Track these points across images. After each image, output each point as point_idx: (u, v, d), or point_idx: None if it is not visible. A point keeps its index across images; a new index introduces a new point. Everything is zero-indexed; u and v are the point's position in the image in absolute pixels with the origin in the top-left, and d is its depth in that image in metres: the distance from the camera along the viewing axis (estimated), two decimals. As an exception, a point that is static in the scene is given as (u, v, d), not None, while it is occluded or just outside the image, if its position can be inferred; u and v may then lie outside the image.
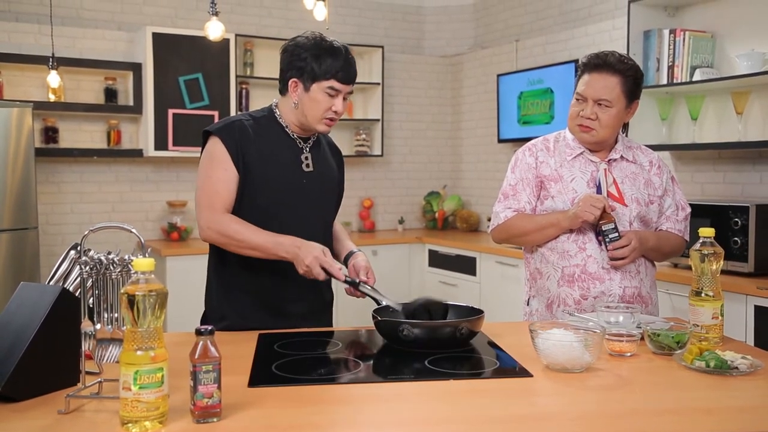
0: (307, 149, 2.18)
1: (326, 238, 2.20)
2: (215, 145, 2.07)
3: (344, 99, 2.10)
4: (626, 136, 2.38)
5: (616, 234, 2.09)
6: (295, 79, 2.08)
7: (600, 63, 2.14)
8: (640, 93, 2.22)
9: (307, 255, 1.96)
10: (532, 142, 2.34)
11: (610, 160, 2.23)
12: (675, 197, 2.30)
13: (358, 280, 2.06)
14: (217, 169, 2.06)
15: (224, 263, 2.14)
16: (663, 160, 2.34)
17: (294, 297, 2.14)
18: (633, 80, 2.16)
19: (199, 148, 2.16)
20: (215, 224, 2.03)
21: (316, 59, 2.04)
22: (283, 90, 2.13)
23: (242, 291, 2.13)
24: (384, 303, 2.00)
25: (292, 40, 2.11)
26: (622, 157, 2.25)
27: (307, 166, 2.17)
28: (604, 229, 2.10)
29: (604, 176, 2.19)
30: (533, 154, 2.28)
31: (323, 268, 1.97)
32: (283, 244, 1.99)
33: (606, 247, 2.12)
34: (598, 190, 2.17)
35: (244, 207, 2.08)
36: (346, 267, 2.22)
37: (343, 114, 2.12)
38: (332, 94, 2.06)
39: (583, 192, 2.18)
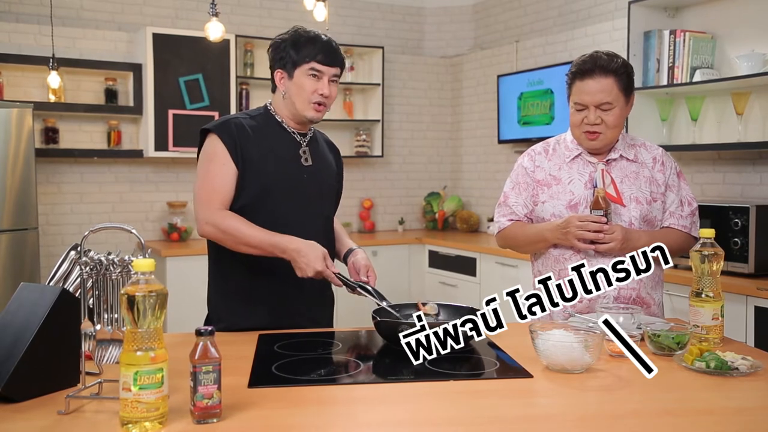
0: (305, 143, 2.19)
1: (327, 232, 2.21)
2: (213, 142, 2.08)
3: (331, 82, 2.12)
4: (626, 132, 2.36)
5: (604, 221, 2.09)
6: (279, 70, 2.13)
7: (590, 67, 2.11)
8: (634, 84, 2.20)
9: (308, 267, 1.96)
10: (533, 146, 2.34)
11: (609, 160, 2.21)
12: (681, 193, 2.25)
13: (353, 282, 2.05)
14: (216, 165, 2.07)
15: (223, 262, 2.15)
16: (669, 155, 2.29)
17: (294, 294, 2.14)
18: (626, 76, 2.14)
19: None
20: (213, 220, 2.04)
21: (294, 46, 2.10)
22: (273, 86, 2.17)
23: (241, 289, 2.13)
24: (384, 304, 2.00)
25: (274, 39, 2.17)
26: (621, 156, 2.22)
27: (306, 160, 2.18)
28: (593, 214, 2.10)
29: (601, 177, 2.17)
30: (531, 159, 2.29)
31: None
32: (280, 245, 1.99)
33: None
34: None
35: (244, 202, 2.08)
36: (346, 265, 2.22)
37: (333, 98, 2.14)
38: (316, 76, 2.10)
39: (580, 194, 2.17)
